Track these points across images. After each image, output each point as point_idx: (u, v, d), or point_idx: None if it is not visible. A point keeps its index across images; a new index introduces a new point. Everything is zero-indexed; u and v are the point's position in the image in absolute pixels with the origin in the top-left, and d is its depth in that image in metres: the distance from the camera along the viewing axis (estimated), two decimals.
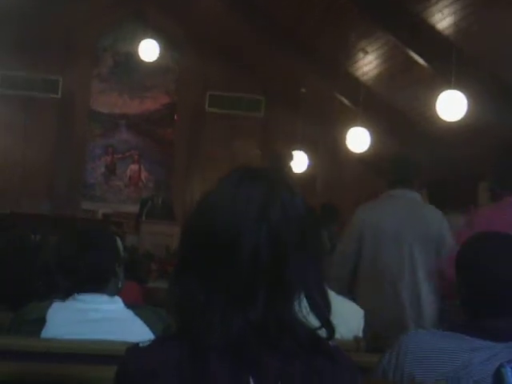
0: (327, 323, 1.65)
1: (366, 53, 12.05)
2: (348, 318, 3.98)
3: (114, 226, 12.41)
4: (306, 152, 14.34)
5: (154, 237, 11.48)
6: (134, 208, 14.27)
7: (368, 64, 12.37)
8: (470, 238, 2.58)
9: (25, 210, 13.60)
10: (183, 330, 1.61)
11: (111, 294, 3.09)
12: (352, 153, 12.59)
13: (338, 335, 3.90)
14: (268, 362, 1.56)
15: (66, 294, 3.07)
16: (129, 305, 3.14)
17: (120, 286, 3.20)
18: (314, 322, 1.65)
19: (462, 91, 9.57)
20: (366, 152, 12.31)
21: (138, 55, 14.13)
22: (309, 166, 14.47)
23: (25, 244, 4.69)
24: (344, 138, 12.31)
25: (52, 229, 10.07)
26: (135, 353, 1.63)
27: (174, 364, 1.56)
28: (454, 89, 9.58)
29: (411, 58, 10.90)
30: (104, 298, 3.05)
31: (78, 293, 3.04)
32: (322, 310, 1.64)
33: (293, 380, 1.56)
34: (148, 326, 3.04)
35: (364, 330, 4.01)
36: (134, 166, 16.15)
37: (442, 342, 2.44)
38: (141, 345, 1.64)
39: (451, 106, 9.64)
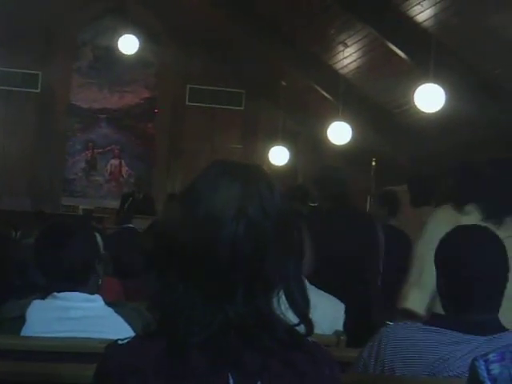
0: (306, 319, 1.65)
1: (346, 46, 12.05)
2: (329, 312, 3.98)
3: (94, 221, 12.37)
4: (286, 145, 14.35)
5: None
6: (115, 203, 14.24)
7: (348, 57, 12.38)
8: (448, 233, 2.59)
9: (5, 206, 13.53)
10: (163, 327, 1.61)
11: (91, 291, 3.07)
12: (333, 146, 12.61)
13: (319, 330, 3.91)
14: (247, 359, 1.56)
15: (44, 292, 3.05)
16: (109, 302, 3.12)
17: (100, 282, 3.18)
18: (292, 318, 1.65)
19: (440, 84, 9.61)
20: (347, 145, 12.32)
21: (118, 49, 14.09)
22: (289, 160, 14.47)
23: (3, 241, 4.67)
24: (324, 131, 12.32)
25: (33, 225, 10.04)
26: (115, 350, 1.63)
27: (153, 361, 1.56)
28: (432, 81, 9.62)
29: (391, 50, 10.93)
30: (84, 295, 3.03)
31: (57, 290, 3.02)
32: (301, 306, 1.64)
33: (272, 376, 1.56)
34: (128, 323, 3.04)
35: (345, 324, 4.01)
36: (115, 161, 16.10)
37: (422, 335, 2.45)
38: (120, 342, 1.64)
39: (429, 98, 9.68)
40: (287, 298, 1.62)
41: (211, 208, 1.60)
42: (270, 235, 1.60)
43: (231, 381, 1.54)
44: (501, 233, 4.36)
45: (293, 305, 1.63)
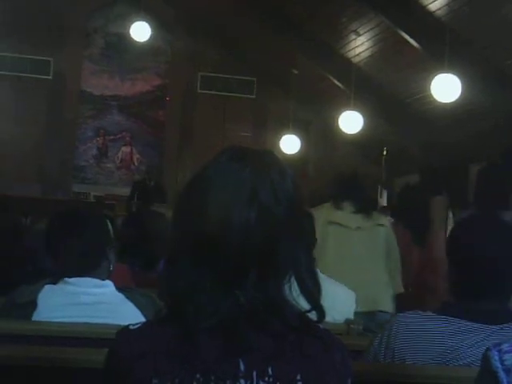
0: (317, 306, 1.65)
1: (358, 34, 12.02)
2: (340, 300, 3.98)
3: (105, 208, 12.39)
4: (297, 134, 14.32)
5: None
6: (125, 190, 14.26)
7: (360, 46, 12.34)
8: (460, 220, 2.58)
9: (15, 192, 13.55)
10: (174, 312, 1.61)
11: (102, 277, 3.08)
12: (344, 136, 12.58)
13: (329, 318, 3.92)
14: (258, 344, 1.56)
15: (55, 278, 3.06)
16: (120, 288, 3.13)
17: (111, 268, 3.19)
18: (304, 304, 1.65)
19: (455, 73, 9.57)
20: (357, 134, 12.30)
21: (130, 36, 14.08)
22: (300, 149, 14.44)
23: (16, 227, 4.68)
24: (336, 120, 12.30)
25: (43, 212, 10.05)
26: (126, 335, 1.63)
27: (164, 346, 1.56)
28: (447, 71, 9.57)
29: (403, 39, 10.89)
30: (95, 281, 3.04)
31: (68, 276, 3.03)
32: (312, 292, 1.64)
33: (283, 361, 1.56)
34: (139, 308, 3.04)
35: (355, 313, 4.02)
36: (126, 149, 16.11)
37: (432, 324, 2.44)
38: (131, 327, 1.64)
39: (446, 88, 9.64)
40: (298, 284, 1.62)
41: (223, 193, 1.60)
42: (282, 221, 1.60)
43: (242, 366, 1.54)
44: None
45: (304, 291, 1.63)
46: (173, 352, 1.55)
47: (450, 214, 12.64)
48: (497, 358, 1.69)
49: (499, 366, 1.68)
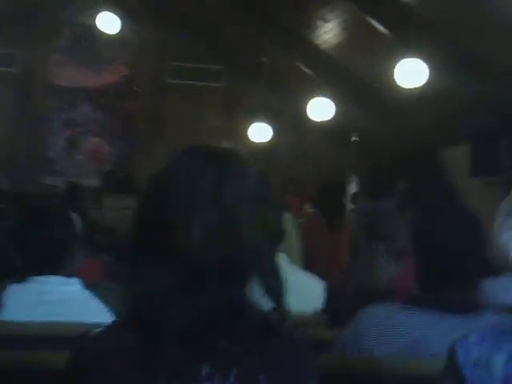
0: (281, 306, 1.63)
1: (326, 21, 11.99)
2: (308, 291, 3.98)
3: (76, 200, 12.32)
4: (267, 122, 14.29)
5: (116, 211, 11.44)
6: (95, 182, 14.18)
7: (328, 32, 12.32)
8: (424, 211, 2.58)
9: None
10: (135, 316, 1.58)
11: (68, 274, 3.05)
12: (315, 122, 12.56)
13: (297, 308, 3.92)
14: (222, 348, 1.54)
15: (21, 275, 3.02)
16: (87, 285, 3.10)
17: (77, 265, 3.16)
18: (267, 304, 1.63)
19: (421, 58, 9.56)
20: (328, 122, 12.29)
21: (97, 27, 13.97)
22: (271, 137, 14.42)
23: None
24: (306, 108, 12.27)
25: (11, 205, 9.98)
26: (87, 340, 1.61)
27: (126, 351, 1.54)
28: (413, 56, 9.56)
29: (371, 25, 10.88)
30: (61, 279, 3.01)
31: (34, 274, 2.99)
32: (276, 292, 1.62)
33: (248, 365, 1.55)
34: (107, 305, 3.02)
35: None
36: (96, 140, 16.00)
37: (399, 315, 2.44)
38: (92, 332, 1.61)
39: (410, 73, 9.63)
40: (262, 285, 1.60)
41: (183, 194, 1.57)
42: (245, 222, 1.58)
43: (205, 369, 1.52)
44: None
45: (268, 291, 1.61)
46: (135, 356, 1.53)
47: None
48: (463, 350, 1.68)
49: (465, 358, 1.67)
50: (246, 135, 14.51)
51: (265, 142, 14.40)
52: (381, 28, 10.73)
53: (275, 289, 1.62)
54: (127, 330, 1.57)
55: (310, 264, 5.68)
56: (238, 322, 1.56)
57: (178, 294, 1.55)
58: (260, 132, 14.20)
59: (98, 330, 1.62)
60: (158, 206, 1.60)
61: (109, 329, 1.62)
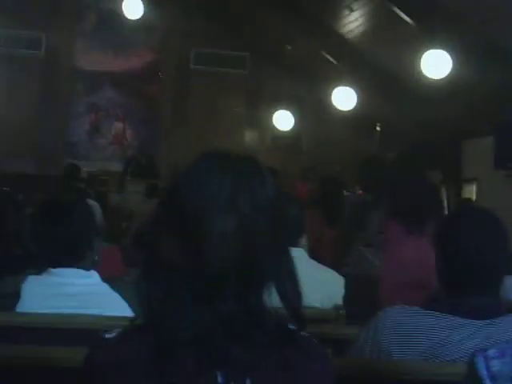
0: (298, 315, 1.61)
1: (352, 10, 11.93)
2: (328, 285, 3.98)
3: (98, 184, 12.37)
4: (291, 110, 14.26)
5: (138, 195, 11.47)
6: (118, 166, 14.22)
7: (353, 21, 12.26)
8: (449, 215, 2.55)
9: (8, 169, 13.50)
10: (151, 322, 1.57)
11: (87, 267, 3.04)
12: (338, 111, 12.52)
13: (318, 304, 3.91)
14: (236, 356, 1.52)
15: (39, 267, 3.02)
16: (106, 278, 3.10)
17: (96, 258, 3.16)
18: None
19: (446, 49, 9.50)
20: (351, 110, 12.24)
21: (122, 12, 13.97)
22: (294, 125, 14.39)
23: (4, 212, 4.64)
24: (330, 97, 12.23)
25: (37, 188, 10.04)
26: (102, 345, 1.60)
27: (140, 358, 1.53)
28: (438, 46, 9.51)
29: (396, 14, 10.81)
30: (80, 271, 3.01)
31: (52, 266, 2.99)
32: (293, 301, 1.61)
33: (262, 373, 1.53)
34: (125, 299, 3.02)
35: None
36: (119, 124, 16.02)
37: (419, 318, 2.42)
38: (107, 336, 1.60)
39: (435, 63, 9.58)
40: (279, 293, 1.59)
41: (201, 203, 1.56)
42: (262, 229, 1.56)
43: (220, 379, 1.51)
44: None
45: (284, 301, 1.59)
46: (149, 364, 1.51)
47: (444, 190, 12.69)
48: (483, 364, 1.66)
49: (485, 373, 1.65)
50: (270, 123, 14.48)
51: (288, 130, 14.37)
52: (406, 18, 10.65)
53: (291, 298, 1.61)
54: (141, 337, 1.55)
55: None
56: (254, 330, 1.55)
57: (194, 302, 1.54)
58: (284, 120, 14.17)
59: (112, 334, 1.61)
60: (174, 213, 1.59)
61: (123, 334, 1.61)
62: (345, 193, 8.65)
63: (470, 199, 10.71)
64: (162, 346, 1.52)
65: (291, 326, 1.61)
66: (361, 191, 7.30)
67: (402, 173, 5.63)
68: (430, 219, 5.03)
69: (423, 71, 9.73)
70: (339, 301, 3.95)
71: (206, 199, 1.56)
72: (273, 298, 1.60)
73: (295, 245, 3.79)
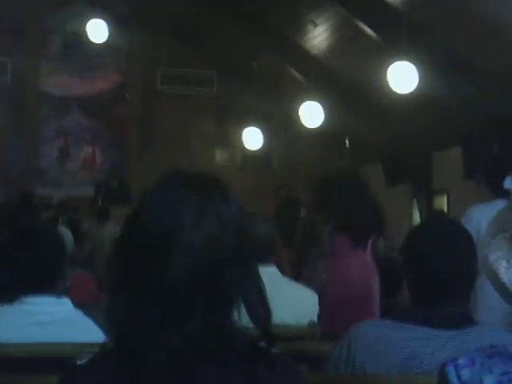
0: (267, 332, 1.62)
1: (316, 25, 11.99)
2: (302, 302, 3.99)
3: (70, 211, 12.30)
4: (260, 127, 14.28)
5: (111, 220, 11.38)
6: (89, 192, 14.14)
7: (317, 36, 12.33)
8: (415, 227, 2.58)
9: None
10: (121, 345, 1.57)
11: (59, 294, 3.03)
12: (307, 128, 12.55)
13: (292, 321, 3.91)
14: (207, 375, 1.53)
15: (10, 295, 3.01)
16: (78, 304, 3.09)
17: (68, 285, 3.14)
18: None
19: (411, 61, 9.55)
20: (320, 126, 12.27)
21: (87, 35, 13.96)
22: (264, 143, 14.41)
23: None
24: (297, 112, 12.25)
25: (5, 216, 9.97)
26: (73, 372, 1.60)
27: (113, 382, 1.53)
28: (404, 59, 9.55)
29: (361, 28, 10.89)
30: (52, 299, 2.99)
31: (24, 294, 2.97)
32: (262, 318, 1.61)
33: None
34: (98, 325, 3.00)
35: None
36: (88, 148, 15.97)
37: (392, 331, 2.43)
38: (78, 363, 1.60)
39: (402, 77, 9.61)
40: (248, 311, 1.60)
41: (166, 222, 1.57)
42: (228, 247, 1.58)
43: None
44: None
45: (253, 318, 1.60)
46: None
47: (415, 202, 12.77)
48: (453, 373, 1.67)
49: (456, 381, 1.67)
50: (240, 141, 14.49)
51: (258, 148, 14.38)
52: (370, 32, 10.73)
53: (261, 315, 1.61)
54: (112, 361, 1.56)
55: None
56: (224, 348, 1.55)
57: (163, 322, 1.54)
58: (253, 138, 14.18)
59: (83, 359, 1.61)
60: (140, 232, 1.60)
61: (94, 360, 1.61)
62: (302, 212, 8.76)
63: (441, 211, 10.77)
64: (132, 369, 1.52)
65: (262, 344, 1.61)
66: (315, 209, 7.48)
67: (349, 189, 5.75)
68: (372, 235, 5.26)
69: (390, 84, 9.77)
70: (314, 317, 3.96)
71: (169, 218, 1.57)
72: (243, 318, 1.60)
73: (265, 263, 3.79)
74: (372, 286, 5.41)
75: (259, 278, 1.65)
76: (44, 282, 3.01)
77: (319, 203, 5.99)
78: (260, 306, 1.61)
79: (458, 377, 1.66)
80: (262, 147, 14.46)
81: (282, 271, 4.16)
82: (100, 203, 12.52)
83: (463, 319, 2.43)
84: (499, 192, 4.43)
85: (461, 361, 1.69)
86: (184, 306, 1.55)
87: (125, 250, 1.63)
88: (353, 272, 5.07)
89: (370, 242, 5.40)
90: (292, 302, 3.84)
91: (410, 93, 9.82)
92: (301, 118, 12.03)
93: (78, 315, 3.03)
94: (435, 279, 2.43)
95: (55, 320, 2.97)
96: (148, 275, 1.56)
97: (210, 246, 1.56)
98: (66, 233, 5.42)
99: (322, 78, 12.38)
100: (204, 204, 1.59)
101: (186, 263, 1.54)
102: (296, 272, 6.40)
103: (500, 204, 3.92)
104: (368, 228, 5.26)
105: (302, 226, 6.94)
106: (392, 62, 9.64)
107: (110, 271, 1.67)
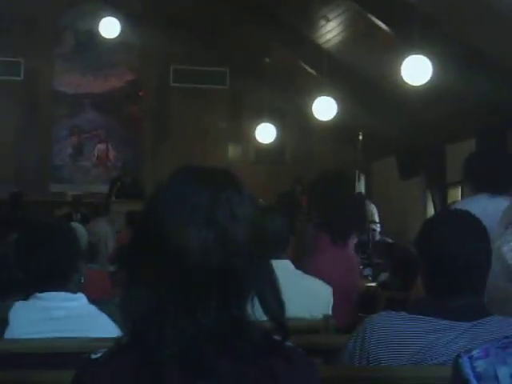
0: (281, 325, 1.62)
1: (328, 20, 11.98)
2: (316, 296, 3.99)
3: (84, 207, 12.36)
4: (273, 123, 14.28)
5: (123, 216, 11.43)
6: (103, 188, 14.19)
7: (330, 31, 12.30)
8: (429, 218, 2.57)
9: None
10: (136, 339, 1.58)
11: (73, 290, 3.04)
12: (320, 122, 12.54)
13: (306, 314, 3.92)
14: (222, 367, 1.53)
15: (25, 291, 3.02)
16: (93, 300, 3.10)
17: (82, 280, 3.15)
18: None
19: (425, 55, 9.52)
20: (333, 120, 12.26)
21: (100, 33, 13.99)
22: (277, 137, 14.41)
23: None
24: (311, 107, 12.25)
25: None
26: (88, 365, 1.60)
27: (126, 376, 1.54)
28: (417, 53, 9.52)
29: (373, 23, 10.86)
30: (66, 294, 3.00)
31: (39, 290, 2.99)
32: (275, 311, 1.61)
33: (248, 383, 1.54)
34: (113, 320, 3.01)
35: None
36: (102, 146, 16.03)
37: (407, 323, 2.43)
38: (93, 356, 1.61)
39: (416, 70, 9.59)
40: (261, 304, 1.60)
41: (180, 217, 1.57)
42: (241, 241, 1.58)
43: None
44: None
45: (267, 310, 1.60)
46: (136, 381, 1.52)
47: (429, 195, 12.75)
48: (468, 364, 1.67)
49: (470, 373, 1.66)
50: (253, 136, 14.49)
51: (271, 143, 14.39)
52: (383, 26, 10.70)
53: (274, 308, 1.62)
54: (127, 354, 1.56)
55: None
56: (238, 341, 1.56)
57: (178, 316, 1.55)
58: (266, 132, 14.19)
59: (98, 353, 1.61)
60: (154, 226, 1.60)
61: (109, 353, 1.61)
62: None
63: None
64: (147, 362, 1.52)
65: (276, 337, 1.61)
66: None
67: (333, 189, 5.86)
68: (353, 232, 5.43)
69: (404, 77, 9.75)
70: (328, 310, 3.96)
71: (183, 212, 1.58)
72: (256, 312, 1.61)
73: (279, 256, 3.79)
74: (351, 279, 5.52)
75: (272, 270, 1.65)
76: (59, 278, 3.02)
77: (308, 202, 6.22)
78: (273, 299, 1.62)
79: (473, 368, 1.66)
80: (276, 142, 14.47)
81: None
82: (113, 199, 12.58)
83: (478, 311, 2.42)
84: (479, 187, 4.55)
85: (475, 352, 1.69)
86: (198, 299, 1.55)
87: (139, 244, 1.64)
88: (332, 267, 5.17)
89: (351, 239, 5.54)
90: (306, 295, 3.84)
91: (424, 86, 9.79)
92: (314, 112, 12.03)
93: (92, 310, 3.04)
94: (450, 267, 2.42)
95: (70, 315, 2.98)
96: (162, 269, 1.57)
97: (224, 240, 1.56)
98: (79, 228, 5.43)
99: (335, 72, 12.36)
100: (217, 197, 1.59)
101: (199, 257, 1.55)
102: None
103: (480, 198, 4.30)
104: (347, 226, 5.44)
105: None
106: (405, 56, 9.62)
107: (123, 265, 1.67)
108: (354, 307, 5.34)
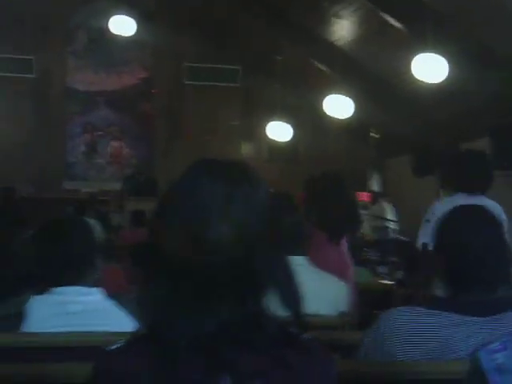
0: (298, 317, 1.62)
1: (340, 17, 11.96)
2: (332, 293, 3.97)
3: (98, 204, 12.38)
4: (286, 120, 14.27)
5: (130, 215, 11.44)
6: (117, 185, 14.22)
7: (342, 29, 12.29)
8: (448, 212, 2.56)
9: None
10: (152, 331, 1.58)
11: (89, 284, 3.05)
12: (333, 120, 12.53)
13: (322, 311, 3.91)
14: (242, 360, 1.53)
15: (41, 287, 3.03)
16: (110, 294, 3.11)
17: (98, 275, 3.16)
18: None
19: (438, 52, 9.48)
20: (347, 118, 12.25)
21: (113, 30, 14.00)
22: (290, 134, 14.40)
23: (9, 236, 4.66)
24: (323, 105, 12.23)
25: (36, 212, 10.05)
26: (104, 358, 1.61)
27: (145, 367, 1.54)
28: (430, 51, 9.48)
29: (386, 20, 10.84)
30: (82, 289, 3.01)
31: (55, 285, 3.00)
32: (292, 303, 1.62)
33: (267, 376, 1.54)
34: (130, 314, 3.02)
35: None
36: (115, 143, 16.05)
37: (423, 318, 2.43)
38: (110, 349, 1.62)
39: (428, 67, 9.54)
40: (279, 298, 1.60)
41: (195, 210, 1.57)
42: (256, 233, 1.58)
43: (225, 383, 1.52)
44: None
45: (284, 303, 1.60)
46: (153, 373, 1.53)
47: (441, 194, 12.70)
48: (486, 358, 1.67)
49: (490, 365, 1.66)
50: (265, 134, 14.49)
51: (284, 141, 14.37)
52: (396, 23, 10.67)
53: (291, 300, 1.62)
54: (144, 346, 1.57)
55: None
56: (255, 333, 1.56)
57: (194, 309, 1.55)
58: (279, 130, 14.18)
59: (115, 346, 1.62)
60: (169, 220, 1.60)
61: (126, 345, 1.62)
62: None
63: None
64: (164, 354, 1.53)
65: (293, 330, 1.62)
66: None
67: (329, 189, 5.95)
68: (347, 231, 5.56)
69: (416, 75, 9.71)
70: (344, 307, 3.95)
71: (199, 206, 1.58)
72: (271, 305, 1.60)
73: (294, 253, 3.78)
74: (346, 275, 5.58)
75: (288, 264, 1.65)
76: (75, 273, 3.03)
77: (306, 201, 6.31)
78: (290, 293, 1.62)
79: (492, 361, 1.66)
80: (289, 140, 14.46)
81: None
82: (128, 197, 12.60)
83: (495, 306, 2.41)
84: (458, 187, 4.89)
85: (493, 346, 1.69)
86: (214, 293, 1.55)
87: (156, 238, 1.64)
88: (327, 264, 5.23)
89: (344, 238, 5.67)
90: (322, 292, 3.82)
91: (437, 84, 9.75)
92: (327, 110, 12.00)
93: (109, 305, 3.05)
94: (469, 264, 2.42)
95: (86, 310, 2.99)
96: (179, 263, 1.57)
97: (240, 234, 1.57)
98: (94, 224, 5.44)
99: (347, 69, 12.35)
100: (232, 190, 1.59)
101: (214, 250, 1.55)
102: None
103: (459, 197, 4.67)
104: (343, 225, 5.58)
105: None
106: (418, 53, 9.58)
107: (139, 263, 1.67)
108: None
